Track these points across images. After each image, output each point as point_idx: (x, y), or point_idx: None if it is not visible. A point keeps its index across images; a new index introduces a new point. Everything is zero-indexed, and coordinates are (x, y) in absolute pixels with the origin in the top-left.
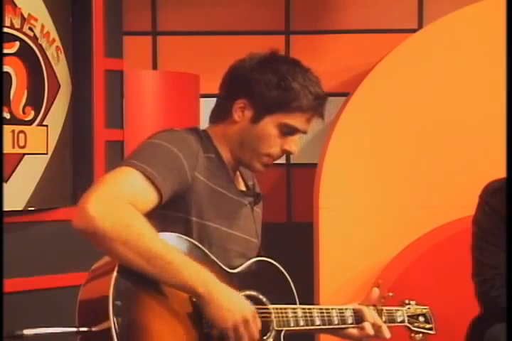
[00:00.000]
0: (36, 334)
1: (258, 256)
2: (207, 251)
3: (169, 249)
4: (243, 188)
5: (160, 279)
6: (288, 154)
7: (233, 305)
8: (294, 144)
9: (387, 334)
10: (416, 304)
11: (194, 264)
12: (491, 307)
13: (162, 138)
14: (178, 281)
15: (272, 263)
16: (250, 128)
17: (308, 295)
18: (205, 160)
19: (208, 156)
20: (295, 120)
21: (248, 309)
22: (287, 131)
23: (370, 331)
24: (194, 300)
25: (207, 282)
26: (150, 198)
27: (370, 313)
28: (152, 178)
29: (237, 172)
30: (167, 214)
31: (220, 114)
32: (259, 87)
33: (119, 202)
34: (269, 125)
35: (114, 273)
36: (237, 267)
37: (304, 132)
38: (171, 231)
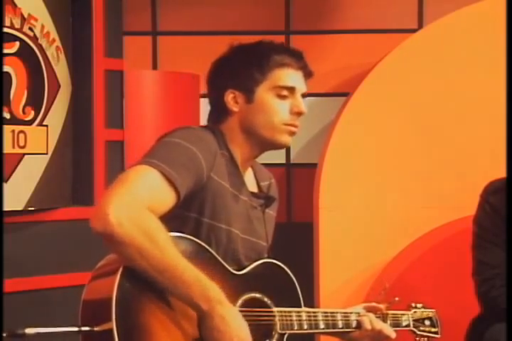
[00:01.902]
0: (38, 333)
1: (265, 257)
2: (214, 253)
3: (180, 261)
4: (254, 190)
5: (167, 289)
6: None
7: (230, 329)
8: (301, 104)
9: (391, 334)
10: (422, 307)
11: (203, 279)
12: (491, 307)
13: (180, 136)
14: (184, 295)
15: (279, 265)
16: (251, 108)
17: (309, 295)
18: (221, 159)
19: (222, 155)
20: (284, 79)
21: (244, 337)
22: (285, 93)
23: (368, 325)
24: None
25: (212, 300)
26: (168, 199)
27: (368, 320)
28: (171, 178)
29: (251, 173)
30: (178, 213)
31: (219, 114)
32: (236, 70)
33: (138, 205)
34: (264, 95)
35: (119, 274)
36: (244, 269)
37: (303, 91)
38: (180, 231)
